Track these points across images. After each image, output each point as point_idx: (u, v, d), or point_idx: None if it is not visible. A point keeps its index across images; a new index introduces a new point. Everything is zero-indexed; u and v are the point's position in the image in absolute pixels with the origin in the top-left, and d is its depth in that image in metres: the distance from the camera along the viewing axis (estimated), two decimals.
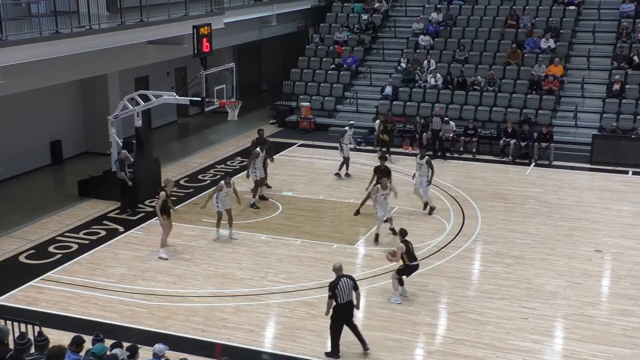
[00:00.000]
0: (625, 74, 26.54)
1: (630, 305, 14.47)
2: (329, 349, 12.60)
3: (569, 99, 26.86)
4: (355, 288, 12.41)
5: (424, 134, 25.13)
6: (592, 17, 29.72)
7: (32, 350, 9.89)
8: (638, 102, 25.72)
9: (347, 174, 22.33)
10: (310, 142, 26.37)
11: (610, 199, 20.68)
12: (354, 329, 12.58)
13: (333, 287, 12.23)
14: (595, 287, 15.41)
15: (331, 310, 12.38)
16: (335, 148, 22.99)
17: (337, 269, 12.52)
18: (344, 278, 12.33)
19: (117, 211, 19.59)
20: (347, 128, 22.42)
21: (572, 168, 23.62)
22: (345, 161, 22.27)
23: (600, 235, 18.10)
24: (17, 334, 11.20)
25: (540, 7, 30.50)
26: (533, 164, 23.91)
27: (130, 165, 19.98)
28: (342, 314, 12.33)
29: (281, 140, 26.83)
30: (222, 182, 17.67)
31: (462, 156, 24.84)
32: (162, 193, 16.68)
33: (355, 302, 12.47)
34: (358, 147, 23.45)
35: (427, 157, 19.46)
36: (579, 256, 16.83)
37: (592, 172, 23.32)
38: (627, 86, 26.15)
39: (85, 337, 10.24)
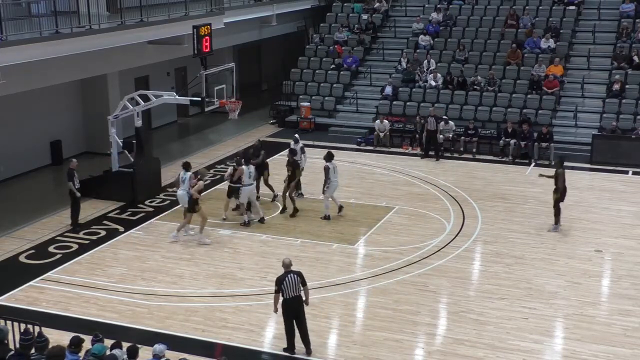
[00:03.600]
0: (625, 74, 26.52)
1: (630, 305, 14.47)
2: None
3: (569, 99, 26.84)
4: (304, 284, 12.51)
5: (423, 134, 25.12)
6: (592, 17, 29.71)
7: (32, 350, 9.91)
8: (638, 102, 25.71)
9: (299, 194, 20.48)
10: (310, 142, 26.32)
11: (610, 199, 20.67)
12: (302, 326, 12.62)
13: (279, 282, 12.38)
14: (595, 287, 15.40)
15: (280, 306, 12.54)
16: (335, 148, 22.90)
17: (286, 265, 12.61)
18: (291, 274, 12.43)
19: (117, 211, 19.62)
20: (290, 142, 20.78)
21: (572, 168, 23.51)
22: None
23: (600, 235, 18.09)
24: (17, 334, 11.23)
25: (540, 7, 30.48)
26: (533, 164, 23.89)
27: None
28: (288, 309, 12.47)
29: (281, 140, 26.79)
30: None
31: (462, 156, 24.83)
32: (201, 182, 17.64)
33: (304, 298, 12.57)
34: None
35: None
36: (579, 256, 16.82)
37: (592, 172, 23.30)
38: (627, 86, 26.14)
39: (85, 337, 10.26)
